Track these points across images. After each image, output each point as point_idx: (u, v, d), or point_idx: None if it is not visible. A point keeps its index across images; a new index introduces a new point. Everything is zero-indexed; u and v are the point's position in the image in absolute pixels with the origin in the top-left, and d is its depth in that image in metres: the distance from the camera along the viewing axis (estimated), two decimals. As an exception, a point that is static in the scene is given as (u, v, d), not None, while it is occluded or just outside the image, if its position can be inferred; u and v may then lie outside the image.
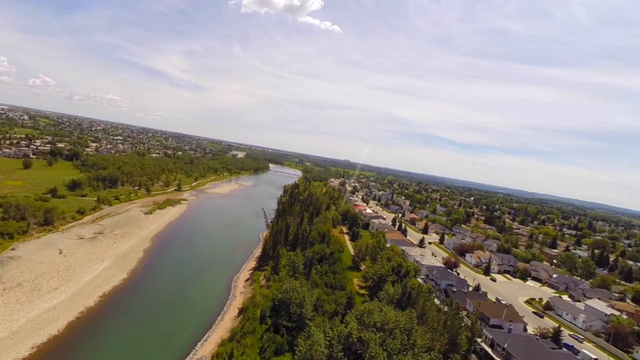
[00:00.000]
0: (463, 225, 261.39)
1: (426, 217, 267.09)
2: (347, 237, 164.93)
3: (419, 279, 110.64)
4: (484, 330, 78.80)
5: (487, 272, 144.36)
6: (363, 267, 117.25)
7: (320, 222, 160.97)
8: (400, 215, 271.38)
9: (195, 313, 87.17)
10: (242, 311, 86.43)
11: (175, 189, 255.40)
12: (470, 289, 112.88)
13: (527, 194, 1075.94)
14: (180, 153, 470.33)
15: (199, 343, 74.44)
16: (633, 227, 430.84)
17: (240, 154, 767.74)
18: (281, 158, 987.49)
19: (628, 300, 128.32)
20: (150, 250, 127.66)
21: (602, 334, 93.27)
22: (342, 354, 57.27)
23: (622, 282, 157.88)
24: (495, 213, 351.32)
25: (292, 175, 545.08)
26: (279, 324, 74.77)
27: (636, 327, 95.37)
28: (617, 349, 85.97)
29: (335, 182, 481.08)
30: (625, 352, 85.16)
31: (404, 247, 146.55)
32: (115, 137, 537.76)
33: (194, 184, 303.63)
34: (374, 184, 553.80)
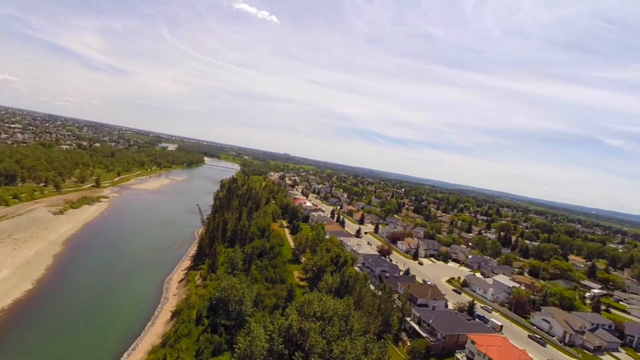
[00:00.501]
0: (395, 215, 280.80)
1: (362, 208, 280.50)
2: (287, 231, 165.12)
3: (355, 268, 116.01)
4: (412, 310, 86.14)
5: (415, 256, 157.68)
6: (303, 259, 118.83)
7: (260, 217, 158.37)
8: (338, 207, 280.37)
9: (121, 321, 79.37)
10: (175, 314, 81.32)
11: (92, 185, 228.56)
12: (401, 273, 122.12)
13: (449, 185, 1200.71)
14: (98, 145, 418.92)
15: (125, 353, 68.19)
16: (529, 212, 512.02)
17: (172, 147, 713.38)
18: (217, 151, 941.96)
19: (525, 274, 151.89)
20: (62, 255, 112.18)
21: (506, 304, 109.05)
22: (283, 346, 57.60)
23: (521, 258, 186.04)
24: (422, 203, 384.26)
25: (229, 169, 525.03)
26: (217, 324, 72.07)
27: (532, 296, 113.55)
28: (518, 316, 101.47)
29: (275, 175, 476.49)
30: (524, 317, 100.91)
31: (342, 238, 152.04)
32: (13, 125, 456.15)
33: (117, 179, 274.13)
34: (313, 177, 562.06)
